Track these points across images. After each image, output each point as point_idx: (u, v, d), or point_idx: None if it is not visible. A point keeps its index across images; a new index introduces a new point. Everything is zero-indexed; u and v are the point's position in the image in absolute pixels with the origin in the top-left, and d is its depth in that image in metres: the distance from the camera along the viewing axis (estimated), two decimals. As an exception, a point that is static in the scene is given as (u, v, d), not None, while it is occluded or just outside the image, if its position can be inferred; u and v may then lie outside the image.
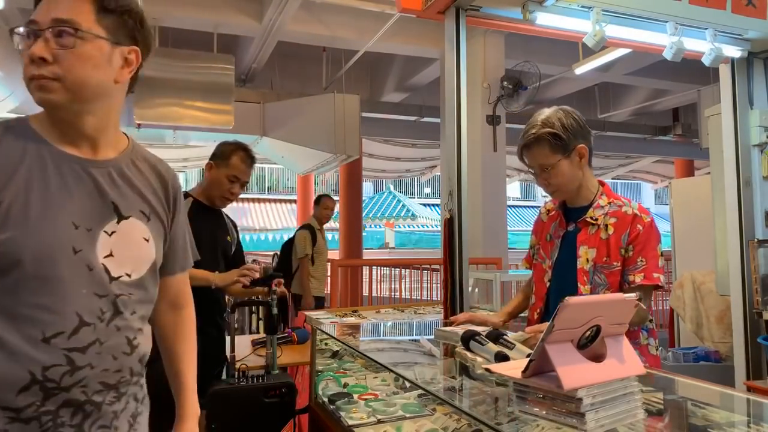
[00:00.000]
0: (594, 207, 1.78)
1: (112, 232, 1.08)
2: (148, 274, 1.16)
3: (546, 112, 1.77)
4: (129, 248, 1.11)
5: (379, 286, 7.86)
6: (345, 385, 2.15)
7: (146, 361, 1.18)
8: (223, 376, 2.34)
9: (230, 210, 2.80)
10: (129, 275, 1.10)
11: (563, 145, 1.73)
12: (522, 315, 2.08)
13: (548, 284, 1.86)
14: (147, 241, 1.15)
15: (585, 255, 1.75)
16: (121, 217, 1.10)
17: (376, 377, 2.17)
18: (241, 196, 2.75)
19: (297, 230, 5.74)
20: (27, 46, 1.07)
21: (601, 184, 1.85)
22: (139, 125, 7.39)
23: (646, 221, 1.73)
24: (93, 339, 1.03)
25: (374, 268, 7.83)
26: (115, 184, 1.12)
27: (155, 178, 1.20)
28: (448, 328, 1.95)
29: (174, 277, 1.32)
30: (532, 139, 1.74)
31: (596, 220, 1.76)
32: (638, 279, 1.68)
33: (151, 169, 1.21)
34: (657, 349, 1.80)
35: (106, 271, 1.07)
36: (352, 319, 2.89)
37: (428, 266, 7.54)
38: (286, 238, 6.47)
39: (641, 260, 1.69)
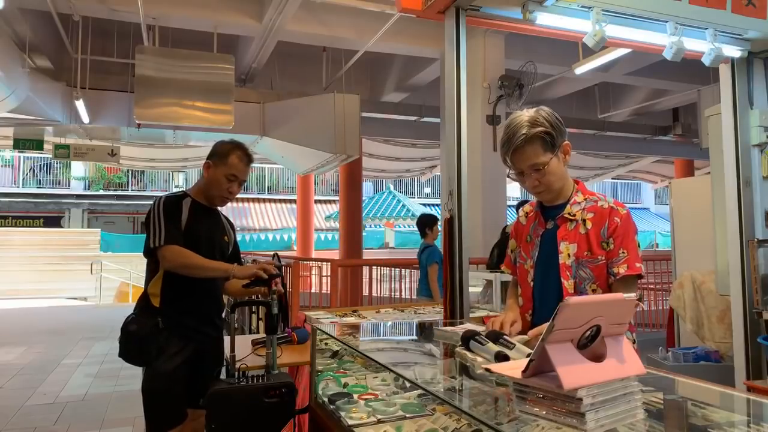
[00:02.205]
0: (571, 204, 1.82)
1: None
2: None
3: (527, 114, 1.78)
4: None
5: (379, 286, 7.86)
6: (345, 385, 2.15)
7: None
8: (223, 376, 2.34)
9: (230, 210, 2.80)
10: None
11: (552, 143, 1.76)
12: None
13: (532, 284, 1.89)
14: None
15: (566, 250, 1.79)
16: None
17: (376, 377, 2.16)
18: (241, 196, 2.75)
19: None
20: None
21: (576, 182, 1.89)
22: (139, 125, 7.40)
23: (623, 213, 1.78)
24: None
25: (374, 268, 7.83)
26: None
27: None
28: (448, 328, 1.95)
29: None
30: (523, 140, 1.74)
31: (574, 215, 1.80)
32: (622, 270, 1.73)
33: None
34: (634, 342, 1.81)
35: None
36: (352, 319, 2.89)
37: (428, 266, 7.52)
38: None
39: (623, 252, 1.74)
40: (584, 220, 1.79)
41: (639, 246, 1.79)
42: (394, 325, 2.67)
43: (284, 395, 2.13)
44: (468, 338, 1.58)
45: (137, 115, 6.87)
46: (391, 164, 15.05)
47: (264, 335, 2.49)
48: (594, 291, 1.75)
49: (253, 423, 2.10)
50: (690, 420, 1.32)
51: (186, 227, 2.38)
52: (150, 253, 2.33)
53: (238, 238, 2.76)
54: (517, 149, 1.76)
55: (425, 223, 5.68)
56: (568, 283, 1.77)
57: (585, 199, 1.82)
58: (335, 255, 11.69)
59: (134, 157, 12.51)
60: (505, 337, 1.56)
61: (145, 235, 2.39)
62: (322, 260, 9.97)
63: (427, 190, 27.16)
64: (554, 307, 1.78)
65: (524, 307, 1.92)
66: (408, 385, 1.94)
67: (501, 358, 1.44)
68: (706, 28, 3.11)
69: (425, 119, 10.46)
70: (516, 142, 1.74)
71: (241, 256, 2.77)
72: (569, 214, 1.81)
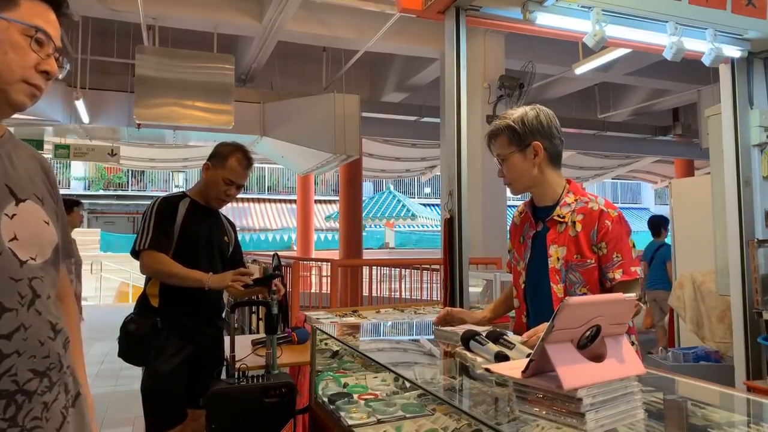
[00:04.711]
0: (561, 205, 1.79)
1: (13, 215, 1.04)
2: (53, 257, 1.13)
3: (519, 109, 1.83)
4: (32, 231, 1.08)
5: (379, 286, 7.85)
6: (345, 385, 2.15)
7: (69, 347, 1.15)
8: (223, 376, 2.34)
9: (230, 210, 2.79)
10: (34, 258, 1.07)
11: (518, 138, 1.78)
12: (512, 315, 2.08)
13: (523, 286, 1.88)
14: (47, 224, 1.12)
15: (555, 254, 1.76)
16: (18, 200, 1.06)
17: (376, 377, 2.16)
18: (241, 196, 2.74)
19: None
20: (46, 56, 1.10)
21: (568, 182, 1.86)
22: (139, 125, 7.40)
23: (614, 216, 1.73)
24: (17, 325, 1.00)
25: (374, 268, 7.82)
26: (4, 167, 1.07)
27: (37, 166, 1.17)
28: (447, 328, 1.95)
29: (62, 267, 1.24)
30: (493, 129, 1.84)
31: (563, 218, 1.77)
32: (618, 276, 1.70)
33: (31, 157, 1.16)
34: (633, 344, 1.79)
35: (14, 255, 1.03)
36: (352, 319, 2.89)
37: (428, 266, 7.54)
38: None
39: (617, 256, 1.70)
40: (574, 222, 1.75)
41: (634, 246, 1.76)
42: (394, 325, 2.66)
43: (284, 395, 2.13)
44: (468, 338, 1.58)
45: (137, 115, 6.87)
46: (391, 164, 15.04)
47: (264, 335, 2.49)
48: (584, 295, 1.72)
49: (253, 423, 2.11)
50: (690, 420, 1.32)
51: (184, 228, 2.37)
52: (135, 255, 2.34)
53: (238, 238, 2.76)
54: (490, 136, 1.85)
55: (660, 224, 6.29)
56: (557, 288, 1.76)
57: (576, 200, 1.79)
58: (335, 255, 11.69)
59: (134, 157, 12.50)
60: (505, 337, 1.56)
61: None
62: (322, 260, 9.98)
63: (427, 190, 27.17)
64: (544, 310, 1.78)
65: (520, 308, 1.91)
66: (408, 385, 1.95)
67: (501, 358, 1.44)
68: (706, 28, 3.11)
69: (425, 119, 10.45)
70: (490, 130, 1.85)
71: (243, 255, 2.77)
72: (558, 216, 1.78)
